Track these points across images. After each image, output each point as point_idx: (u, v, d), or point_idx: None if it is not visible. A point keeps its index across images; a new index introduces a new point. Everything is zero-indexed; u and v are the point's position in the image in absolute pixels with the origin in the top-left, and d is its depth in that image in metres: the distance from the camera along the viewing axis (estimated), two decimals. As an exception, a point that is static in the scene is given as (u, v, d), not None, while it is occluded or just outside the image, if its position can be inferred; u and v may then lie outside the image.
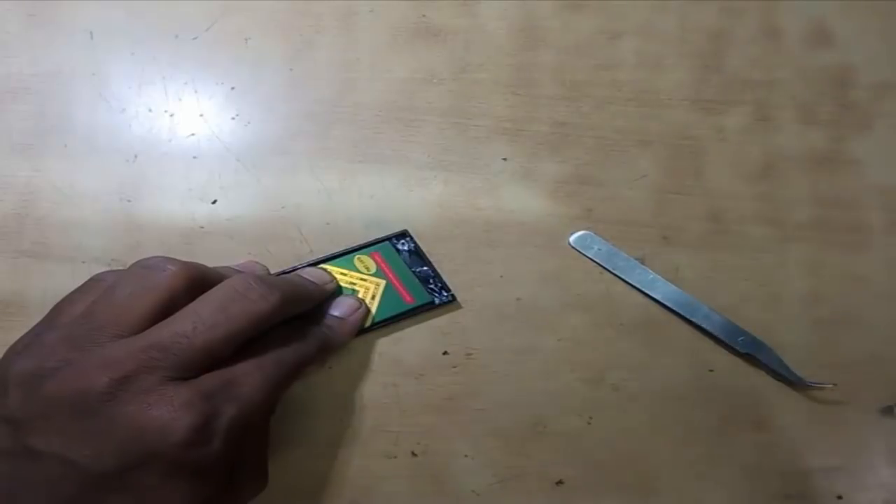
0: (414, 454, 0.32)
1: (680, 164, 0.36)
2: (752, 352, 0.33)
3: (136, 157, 0.34)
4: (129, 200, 0.33)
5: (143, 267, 0.25)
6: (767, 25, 0.39)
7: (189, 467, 0.22)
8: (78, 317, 0.24)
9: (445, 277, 0.33)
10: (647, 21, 0.39)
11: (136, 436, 0.21)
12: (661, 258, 0.35)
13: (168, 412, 0.21)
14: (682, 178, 0.36)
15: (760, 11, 0.39)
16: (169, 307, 0.24)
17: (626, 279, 0.34)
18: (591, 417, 0.33)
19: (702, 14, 0.39)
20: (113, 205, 0.33)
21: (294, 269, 0.32)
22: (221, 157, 0.34)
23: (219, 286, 0.25)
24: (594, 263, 0.34)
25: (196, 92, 0.35)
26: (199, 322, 0.23)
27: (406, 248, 0.33)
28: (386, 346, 0.33)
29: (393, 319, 0.32)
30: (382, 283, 0.33)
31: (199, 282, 0.25)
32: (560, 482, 0.32)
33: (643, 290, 0.34)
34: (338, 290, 0.32)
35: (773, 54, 0.38)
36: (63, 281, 0.28)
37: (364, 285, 0.33)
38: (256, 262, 0.32)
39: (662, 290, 0.34)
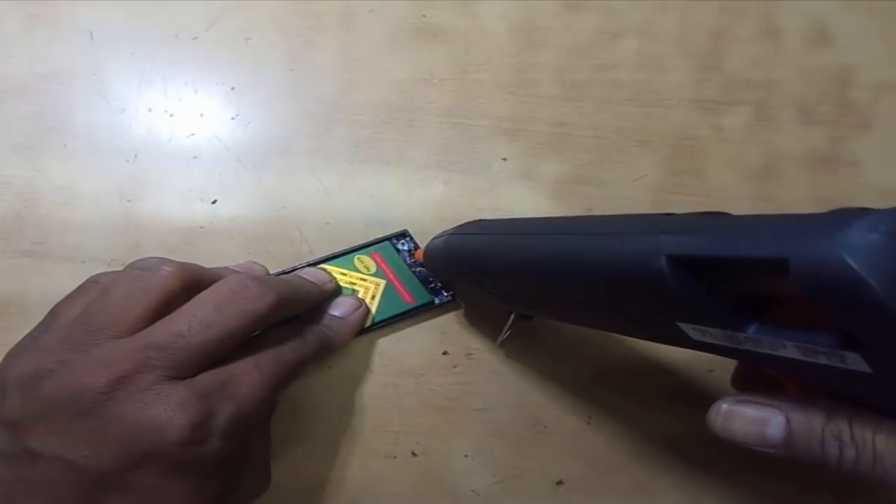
0: (414, 454, 0.32)
1: (680, 164, 0.36)
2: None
3: (136, 157, 0.34)
4: (129, 200, 0.33)
5: (139, 268, 0.25)
6: (767, 25, 0.39)
7: (188, 466, 0.22)
8: (74, 319, 0.24)
9: (445, 277, 0.33)
10: (647, 21, 0.39)
11: (133, 435, 0.21)
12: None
13: (165, 411, 0.21)
14: (682, 178, 0.36)
15: (760, 11, 0.39)
16: (165, 308, 0.24)
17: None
18: (591, 417, 0.33)
19: (702, 14, 0.39)
20: (113, 205, 0.33)
21: (294, 270, 0.32)
22: (221, 157, 0.34)
23: (214, 286, 0.25)
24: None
25: (196, 92, 0.35)
26: (195, 321, 0.23)
27: (406, 247, 0.33)
28: (386, 346, 0.33)
29: (393, 319, 0.32)
30: (382, 283, 0.33)
31: (194, 283, 0.25)
32: (560, 482, 0.32)
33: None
34: (338, 290, 0.32)
35: (773, 54, 0.38)
36: (63, 281, 0.28)
37: (364, 285, 0.33)
38: (255, 263, 0.32)
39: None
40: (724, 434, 0.21)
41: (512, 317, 0.31)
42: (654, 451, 0.33)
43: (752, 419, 0.20)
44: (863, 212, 0.14)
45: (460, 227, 0.30)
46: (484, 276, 0.28)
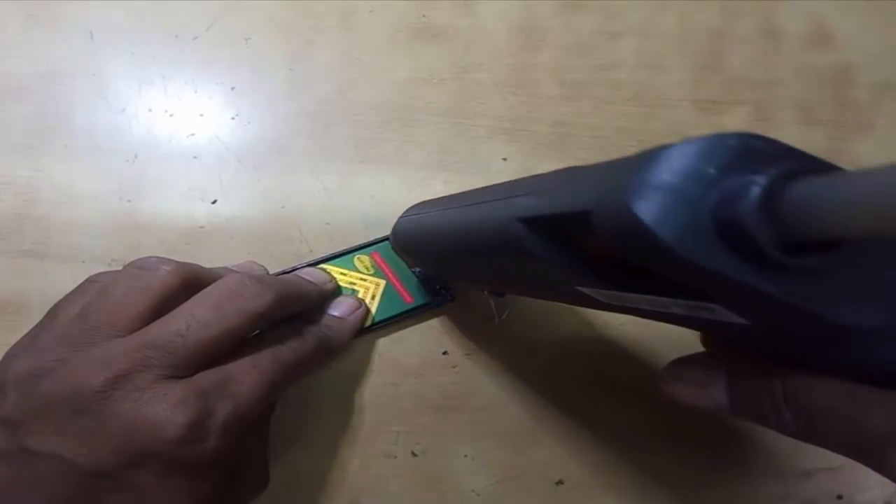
0: (414, 454, 0.32)
1: (680, 164, 0.36)
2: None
3: (136, 157, 0.34)
4: (129, 200, 0.33)
5: (138, 267, 0.25)
6: (767, 25, 0.39)
7: (185, 465, 0.22)
8: (73, 318, 0.24)
9: (445, 277, 0.33)
10: (647, 21, 0.39)
11: (131, 434, 0.21)
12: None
13: (162, 410, 0.21)
14: (682, 178, 0.36)
15: (760, 11, 0.39)
16: (163, 307, 0.24)
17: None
18: (590, 417, 0.33)
19: (702, 14, 0.39)
20: (113, 205, 0.33)
21: (294, 270, 0.32)
22: (221, 157, 0.34)
23: (213, 285, 0.25)
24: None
25: (196, 92, 0.35)
26: (193, 320, 0.23)
27: (406, 247, 0.33)
28: (386, 346, 0.33)
29: (393, 319, 0.32)
30: (382, 283, 0.33)
31: (193, 282, 0.25)
32: (560, 482, 0.32)
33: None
34: (338, 290, 0.32)
35: (773, 54, 0.38)
36: (63, 281, 0.28)
37: (364, 285, 0.32)
38: (255, 263, 0.32)
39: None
40: (676, 399, 0.20)
41: (499, 297, 0.30)
42: (654, 451, 0.33)
43: (699, 383, 0.19)
44: (658, 151, 0.13)
45: (409, 209, 0.30)
46: (422, 257, 0.27)
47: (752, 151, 0.13)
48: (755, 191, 0.13)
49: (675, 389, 0.20)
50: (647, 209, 0.13)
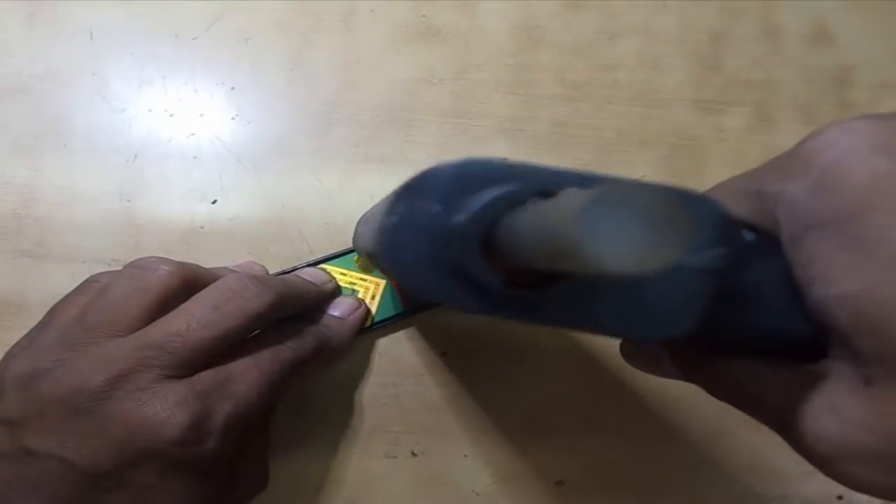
0: (414, 454, 0.32)
1: (680, 164, 0.36)
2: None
3: (136, 157, 0.34)
4: (128, 200, 0.33)
5: (137, 267, 0.25)
6: (767, 25, 0.39)
7: (185, 466, 0.22)
8: (73, 318, 0.24)
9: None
10: (647, 21, 0.39)
11: (130, 434, 0.21)
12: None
13: (162, 410, 0.21)
14: (682, 178, 0.36)
15: (760, 11, 0.39)
16: (163, 307, 0.24)
17: (626, 279, 0.34)
18: (590, 417, 0.33)
19: (702, 14, 0.39)
20: (113, 205, 0.33)
21: (294, 269, 0.32)
22: (221, 157, 0.34)
23: (213, 285, 0.25)
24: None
25: (196, 92, 0.35)
26: (193, 320, 0.23)
27: (406, 248, 0.33)
28: (386, 346, 0.33)
29: (393, 319, 0.32)
30: (382, 283, 0.33)
31: (193, 282, 0.25)
32: (560, 482, 0.32)
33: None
34: (337, 291, 0.32)
35: (773, 54, 0.38)
36: (63, 281, 0.28)
37: (364, 285, 0.32)
38: (255, 263, 0.32)
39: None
40: (640, 369, 0.21)
41: None
42: (655, 451, 0.33)
43: (650, 358, 0.21)
44: (403, 189, 0.14)
45: (362, 216, 0.30)
46: None
47: (472, 180, 0.14)
48: (461, 229, 0.13)
49: (633, 363, 0.21)
50: (393, 253, 0.14)
